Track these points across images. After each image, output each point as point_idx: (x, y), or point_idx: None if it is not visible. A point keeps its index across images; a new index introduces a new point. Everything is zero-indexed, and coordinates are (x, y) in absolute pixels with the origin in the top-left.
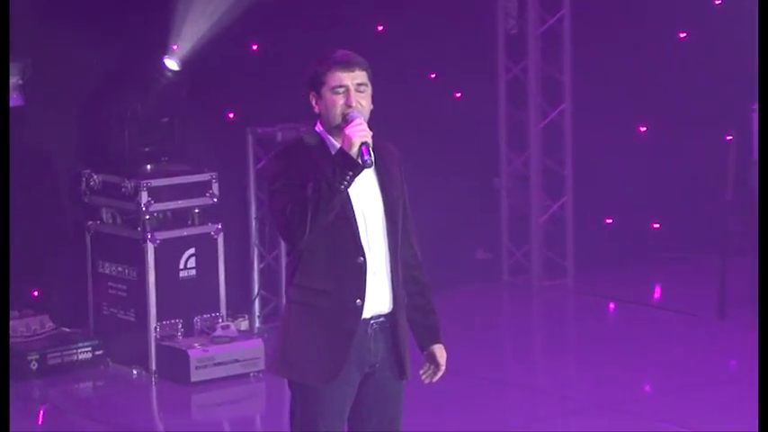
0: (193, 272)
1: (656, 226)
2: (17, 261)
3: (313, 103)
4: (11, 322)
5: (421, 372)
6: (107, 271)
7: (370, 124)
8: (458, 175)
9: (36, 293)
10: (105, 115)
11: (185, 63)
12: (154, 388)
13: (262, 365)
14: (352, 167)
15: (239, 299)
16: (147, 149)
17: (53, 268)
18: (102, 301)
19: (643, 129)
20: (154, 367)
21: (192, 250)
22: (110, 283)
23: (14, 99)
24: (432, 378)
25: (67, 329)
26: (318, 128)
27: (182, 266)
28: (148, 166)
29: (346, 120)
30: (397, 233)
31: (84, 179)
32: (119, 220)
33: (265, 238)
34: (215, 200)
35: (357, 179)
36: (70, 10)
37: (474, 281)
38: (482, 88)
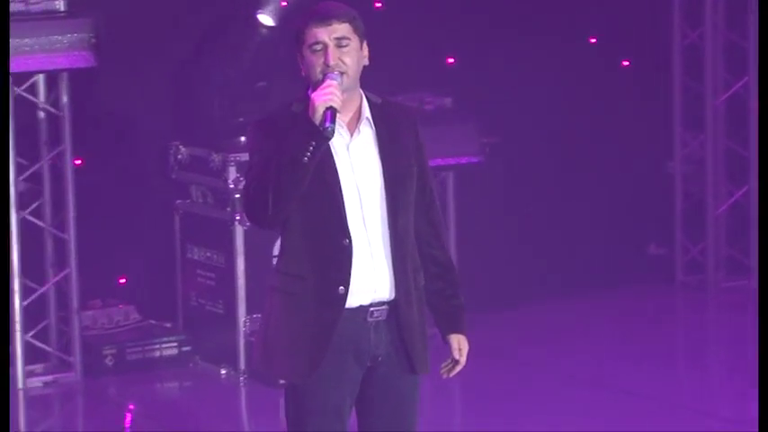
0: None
1: None
2: (102, 245)
3: (300, 64)
4: (90, 312)
5: (441, 365)
6: (196, 257)
7: (373, 82)
8: (624, 157)
9: (123, 281)
10: (193, 80)
11: (283, 18)
12: (242, 390)
13: None
14: (315, 137)
15: None
16: (240, 119)
17: (140, 253)
18: (190, 290)
19: None
20: (243, 366)
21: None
22: (198, 271)
23: (85, 58)
24: (448, 373)
25: (154, 322)
26: (309, 92)
27: (275, 253)
28: (242, 138)
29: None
30: (403, 210)
31: (171, 153)
32: (209, 199)
33: None
34: None
35: (354, 148)
36: None
37: (643, 280)
38: (653, 56)
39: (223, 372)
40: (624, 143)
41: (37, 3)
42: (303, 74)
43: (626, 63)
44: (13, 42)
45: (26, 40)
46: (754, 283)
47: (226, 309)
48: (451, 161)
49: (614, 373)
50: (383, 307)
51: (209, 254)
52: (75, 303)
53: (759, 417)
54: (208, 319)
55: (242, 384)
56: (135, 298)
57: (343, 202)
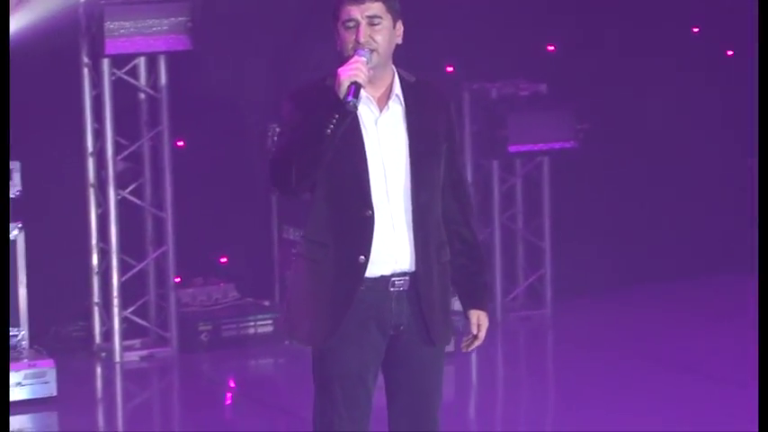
0: None
1: None
2: (204, 224)
3: (336, 36)
4: (191, 290)
5: (462, 340)
6: (291, 236)
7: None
8: (717, 148)
9: (224, 260)
10: (290, 62)
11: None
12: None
13: (452, 347)
14: (338, 109)
15: None
16: None
17: (239, 233)
18: (286, 269)
19: None
20: None
21: None
22: (293, 250)
23: (182, 42)
24: (467, 348)
25: (252, 300)
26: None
27: None
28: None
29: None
30: (427, 186)
31: (269, 134)
32: None
33: (493, 198)
34: None
35: (382, 123)
36: None
37: (729, 270)
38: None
39: None
40: (719, 134)
41: None
42: (338, 48)
43: (730, 53)
44: (112, 25)
45: (125, 23)
46: None
47: None
48: (545, 146)
49: (699, 359)
50: (405, 278)
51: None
52: (171, 280)
53: (759, 416)
54: None
55: None
56: (235, 276)
57: (368, 175)
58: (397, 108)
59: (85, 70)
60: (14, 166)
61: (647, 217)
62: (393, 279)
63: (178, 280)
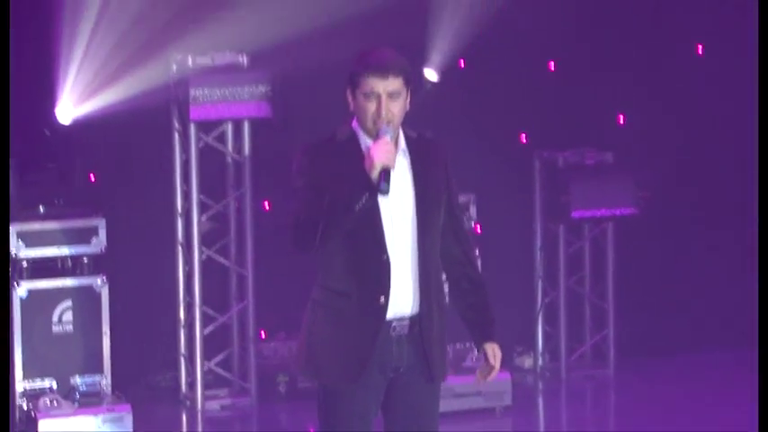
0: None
1: None
2: (285, 281)
3: (349, 99)
4: (273, 344)
5: (477, 371)
6: None
7: (410, 120)
8: None
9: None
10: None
11: (448, 72)
12: None
13: (509, 401)
14: (369, 190)
15: (523, 334)
16: None
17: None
18: None
19: None
20: None
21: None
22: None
23: (262, 109)
24: (484, 378)
25: None
26: (354, 124)
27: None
28: None
29: (377, 132)
30: (431, 232)
31: None
32: None
33: (561, 260)
34: (473, 223)
35: (392, 175)
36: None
37: None
38: None
39: None
40: None
41: (221, 57)
42: (351, 108)
43: None
44: (196, 93)
45: (209, 91)
46: None
47: None
48: (607, 212)
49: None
50: (404, 322)
51: None
52: (251, 333)
53: (759, 416)
54: None
55: None
56: None
57: (381, 223)
58: (403, 161)
59: (176, 135)
60: (99, 222)
61: (709, 282)
62: (393, 324)
63: (263, 335)
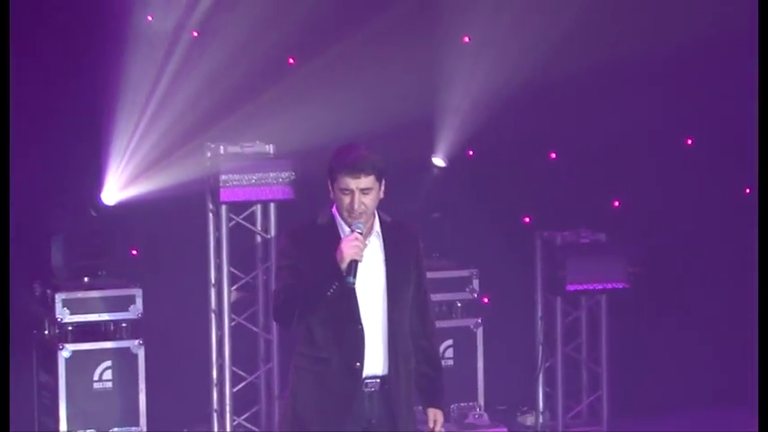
0: (451, 362)
1: None
2: None
3: (329, 189)
4: None
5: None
6: None
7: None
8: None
9: None
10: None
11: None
12: None
13: None
14: (339, 279)
15: (525, 395)
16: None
17: None
18: None
19: None
20: None
21: (450, 341)
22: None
23: (286, 192)
24: None
25: None
26: (334, 210)
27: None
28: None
29: (350, 225)
30: (399, 306)
31: None
32: None
33: (558, 328)
34: (474, 295)
35: (365, 258)
36: None
37: None
38: None
39: None
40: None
41: (250, 147)
42: (331, 196)
43: None
44: (228, 177)
45: (239, 176)
46: None
47: None
48: (600, 286)
49: None
50: (376, 380)
51: None
52: (276, 391)
53: (759, 417)
54: None
55: None
56: None
57: (356, 298)
58: (376, 242)
59: (210, 215)
60: (137, 292)
61: (697, 347)
62: (366, 381)
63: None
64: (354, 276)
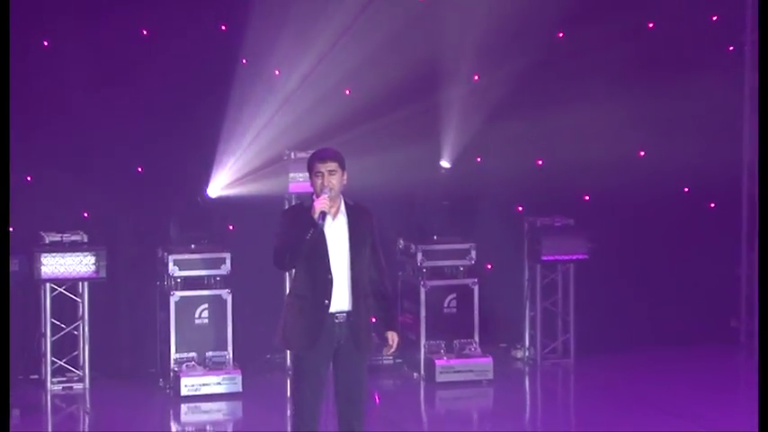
0: (454, 310)
1: None
2: None
3: (310, 180)
4: None
5: (384, 349)
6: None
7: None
8: (702, 260)
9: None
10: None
11: (455, 160)
12: (422, 384)
13: (491, 376)
14: (314, 226)
15: (516, 337)
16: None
17: None
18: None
19: None
20: (422, 373)
21: (454, 295)
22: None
23: None
24: (387, 353)
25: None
26: (314, 196)
27: (445, 305)
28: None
29: (321, 193)
30: (359, 262)
31: None
32: None
33: (537, 287)
34: (472, 262)
35: (333, 229)
36: None
37: (716, 341)
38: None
39: (414, 375)
40: (702, 259)
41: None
42: (311, 186)
43: (712, 205)
44: (295, 175)
45: (304, 174)
46: None
47: (416, 337)
48: (566, 257)
49: (692, 409)
50: (343, 314)
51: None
52: None
53: (759, 416)
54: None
55: (421, 383)
56: None
57: (328, 256)
58: (342, 219)
59: (285, 203)
60: (226, 255)
61: (637, 301)
62: (336, 314)
63: None
64: (323, 221)
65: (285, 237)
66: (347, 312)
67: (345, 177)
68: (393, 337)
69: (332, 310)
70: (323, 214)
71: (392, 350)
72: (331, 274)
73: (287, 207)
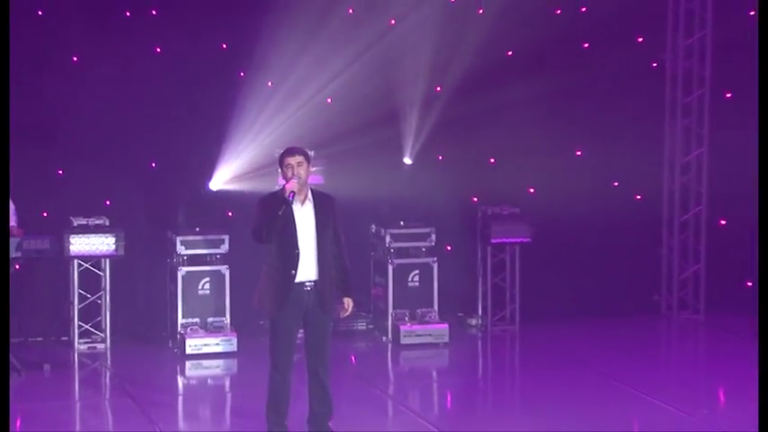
0: (417, 284)
1: None
2: None
3: (281, 172)
4: None
5: (340, 312)
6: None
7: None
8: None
9: None
10: None
11: (417, 158)
12: (389, 346)
13: (447, 339)
14: (284, 204)
15: (471, 307)
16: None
17: None
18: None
19: None
20: (390, 336)
21: (417, 271)
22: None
23: (317, 179)
24: (343, 315)
25: None
26: (285, 185)
27: (410, 280)
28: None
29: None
30: (323, 240)
31: None
32: None
33: (488, 265)
34: (432, 243)
35: (301, 213)
36: None
37: (643, 311)
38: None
39: (384, 338)
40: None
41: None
42: (282, 176)
43: (638, 197)
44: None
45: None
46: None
47: (385, 307)
48: (511, 240)
49: (619, 370)
50: (311, 283)
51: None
52: None
53: (759, 416)
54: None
55: (386, 343)
56: None
57: (296, 235)
58: (309, 205)
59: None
60: (225, 237)
61: (572, 276)
62: (305, 283)
63: None
64: (292, 199)
65: (262, 216)
66: (314, 282)
67: (311, 169)
68: (348, 303)
69: (301, 279)
70: (292, 194)
71: (347, 312)
72: (298, 249)
73: (262, 196)
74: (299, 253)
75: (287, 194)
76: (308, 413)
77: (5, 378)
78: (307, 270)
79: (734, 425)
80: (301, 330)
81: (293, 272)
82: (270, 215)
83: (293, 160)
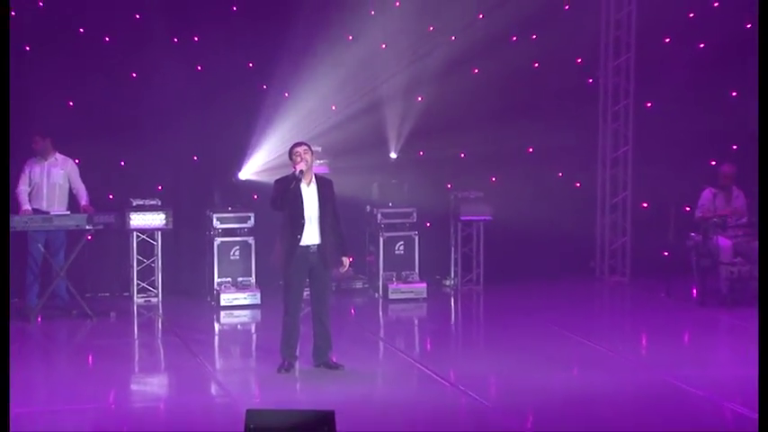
0: (402, 252)
1: None
2: None
3: (291, 161)
4: None
5: (339, 270)
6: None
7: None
8: (570, 208)
9: None
10: None
11: (401, 151)
12: (380, 301)
13: (425, 295)
14: (294, 179)
15: (445, 271)
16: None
17: None
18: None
19: None
20: (380, 293)
21: (402, 242)
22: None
23: (323, 169)
24: (342, 271)
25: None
26: (295, 168)
27: (396, 248)
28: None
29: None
30: (324, 213)
31: None
32: None
33: (458, 238)
34: (414, 220)
35: (307, 191)
36: None
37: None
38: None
39: (375, 294)
40: (569, 211)
41: (316, 148)
42: (293, 164)
43: (578, 184)
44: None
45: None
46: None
47: (377, 269)
48: (477, 218)
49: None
50: (315, 245)
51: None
52: None
53: (759, 416)
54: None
55: (379, 299)
56: None
57: (303, 208)
58: (313, 185)
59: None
60: (251, 214)
61: (529, 249)
62: (310, 246)
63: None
64: (301, 176)
65: (278, 190)
66: (317, 245)
67: (313, 157)
68: (345, 261)
69: (306, 243)
70: (301, 172)
71: (345, 268)
72: (304, 219)
73: (281, 177)
74: (304, 222)
75: (297, 172)
76: (312, 348)
77: (5, 378)
78: (311, 235)
79: (651, 360)
80: (308, 289)
81: (299, 236)
82: (283, 189)
83: (300, 149)
